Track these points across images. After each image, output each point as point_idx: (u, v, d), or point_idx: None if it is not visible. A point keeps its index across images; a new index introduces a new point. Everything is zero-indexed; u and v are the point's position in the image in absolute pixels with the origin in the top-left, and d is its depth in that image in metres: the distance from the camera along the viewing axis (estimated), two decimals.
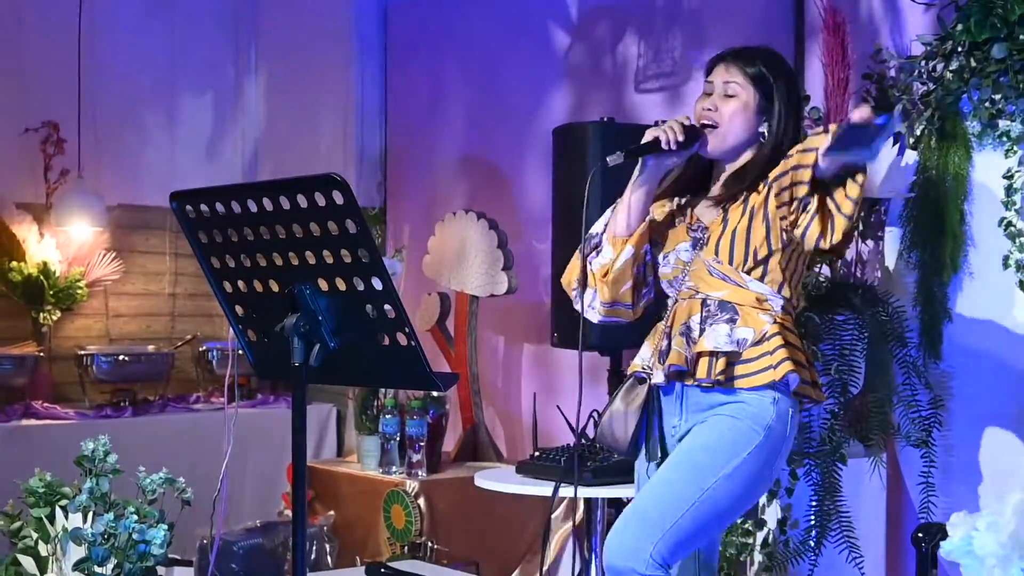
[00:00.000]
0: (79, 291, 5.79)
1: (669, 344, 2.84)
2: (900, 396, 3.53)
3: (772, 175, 2.72)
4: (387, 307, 2.12)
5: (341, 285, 2.14)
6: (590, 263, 2.96)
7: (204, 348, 6.00)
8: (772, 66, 2.90)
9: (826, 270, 3.64)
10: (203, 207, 2.27)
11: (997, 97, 3.42)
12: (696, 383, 2.79)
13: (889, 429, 3.57)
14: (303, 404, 2.19)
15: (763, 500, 3.46)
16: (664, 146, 2.81)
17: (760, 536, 3.45)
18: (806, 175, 2.58)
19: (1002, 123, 3.43)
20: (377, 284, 2.10)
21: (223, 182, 4.86)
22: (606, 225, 2.97)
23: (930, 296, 3.58)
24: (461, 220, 5.01)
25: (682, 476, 2.75)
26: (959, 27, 3.45)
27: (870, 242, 3.81)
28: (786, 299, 2.83)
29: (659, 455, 2.89)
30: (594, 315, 3.00)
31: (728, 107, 2.87)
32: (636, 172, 2.90)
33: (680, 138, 2.81)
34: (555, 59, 5.16)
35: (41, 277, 5.63)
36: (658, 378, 2.85)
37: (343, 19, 6.19)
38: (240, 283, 2.30)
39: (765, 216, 2.78)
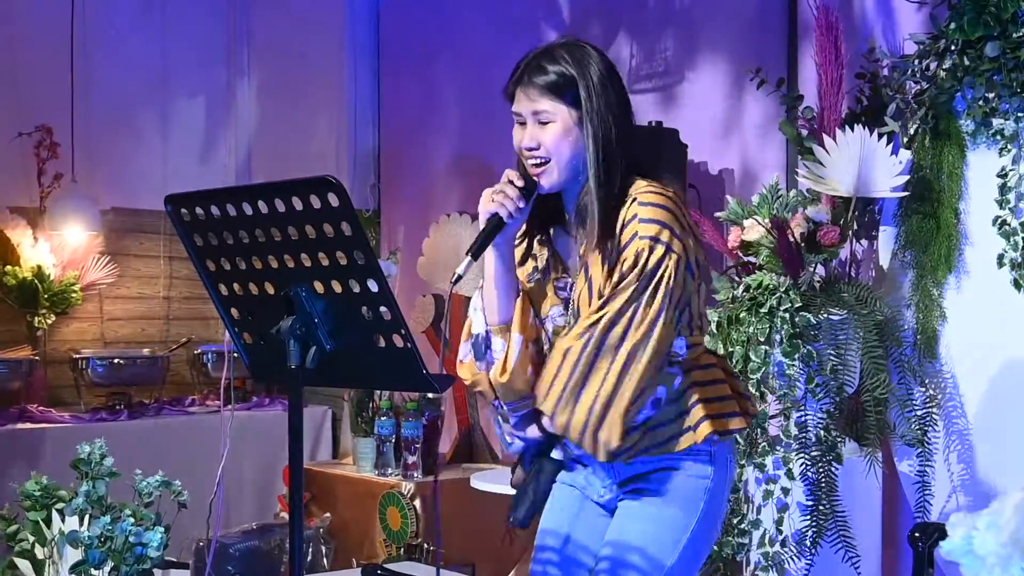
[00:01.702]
0: (73, 295, 5.79)
1: None
2: (895, 395, 3.54)
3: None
4: (383, 309, 2.11)
5: (337, 287, 2.13)
6: (486, 370, 2.57)
7: (199, 351, 6.01)
8: (566, 62, 2.50)
9: (821, 270, 3.64)
10: (198, 210, 2.26)
11: (991, 95, 3.43)
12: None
13: (885, 428, 3.57)
14: (299, 406, 2.18)
15: (759, 500, 3.46)
16: (507, 220, 2.48)
17: (756, 536, 3.45)
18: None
19: (996, 121, 3.44)
20: (372, 286, 2.10)
21: (216, 185, 4.86)
22: (486, 320, 2.58)
23: (925, 295, 3.59)
24: (455, 222, 5.01)
25: (643, 563, 2.49)
26: (952, 25, 3.45)
27: (864, 241, 3.82)
28: (687, 336, 2.49)
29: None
30: (509, 439, 2.64)
31: (548, 136, 2.48)
32: (490, 258, 2.54)
33: (520, 204, 2.48)
34: None
35: (35, 281, 5.64)
36: (558, 455, 2.59)
37: (336, 21, 6.19)
38: (236, 286, 2.30)
39: None
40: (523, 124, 2.53)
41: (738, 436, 3.46)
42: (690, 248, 2.43)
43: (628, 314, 2.38)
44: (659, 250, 2.38)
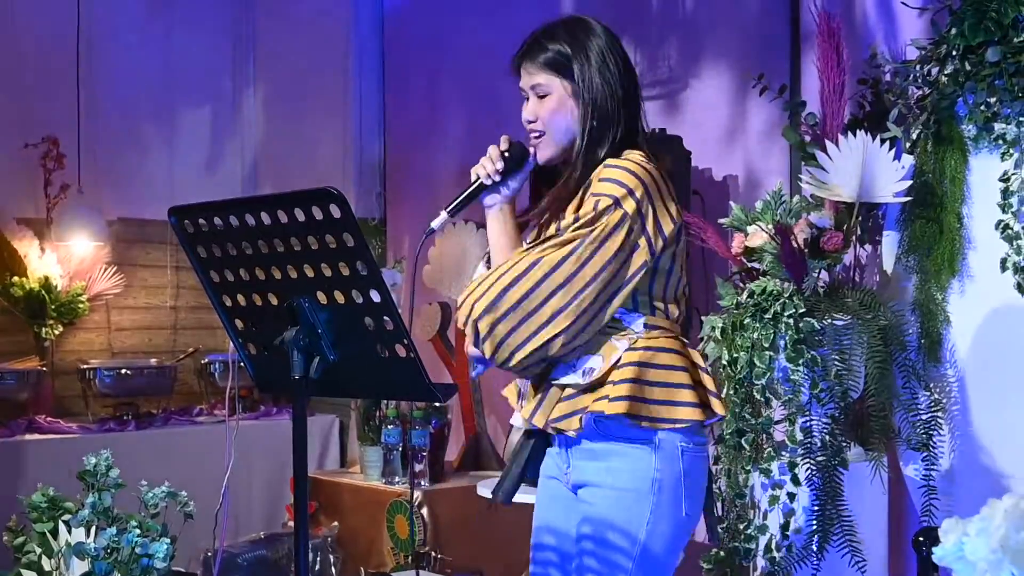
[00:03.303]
0: (81, 305, 5.81)
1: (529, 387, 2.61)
2: (900, 400, 3.54)
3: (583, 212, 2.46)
4: (385, 319, 2.13)
5: (340, 298, 2.15)
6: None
7: (206, 361, 6.01)
8: (563, 39, 2.57)
9: (825, 275, 3.64)
10: (201, 221, 2.28)
11: (992, 100, 3.43)
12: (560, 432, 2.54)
13: (890, 433, 3.57)
14: (303, 417, 2.19)
15: (765, 505, 3.47)
16: (487, 181, 2.59)
17: (763, 541, 3.46)
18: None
19: (998, 126, 3.44)
20: (375, 297, 2.11)
21: (223, 195, 4.87)
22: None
23: (929, 299, 3.59)
24: (461, 230, 5.02)
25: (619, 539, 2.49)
26: (953, 31, 3.46)
27: (868, 246, 3.82)
28: (652, 313, 2.53)
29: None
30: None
31: (544, 109, 2.58)
32: (495, 224, 2.66)
33: (499, 166, 2.58)
34: None
35: (43, 292, 5.65)
36: (516, 421, 2.62)
37: (341, 31, 6.21)
38: (240, 297, 2.31)
39: None
40: (528, 100, 2.64)
41: (730, 436, 3.46)
42: (648, 217, 2.46)
43: (567, 251, 2.43)
44: (604, 202, 2.44)
